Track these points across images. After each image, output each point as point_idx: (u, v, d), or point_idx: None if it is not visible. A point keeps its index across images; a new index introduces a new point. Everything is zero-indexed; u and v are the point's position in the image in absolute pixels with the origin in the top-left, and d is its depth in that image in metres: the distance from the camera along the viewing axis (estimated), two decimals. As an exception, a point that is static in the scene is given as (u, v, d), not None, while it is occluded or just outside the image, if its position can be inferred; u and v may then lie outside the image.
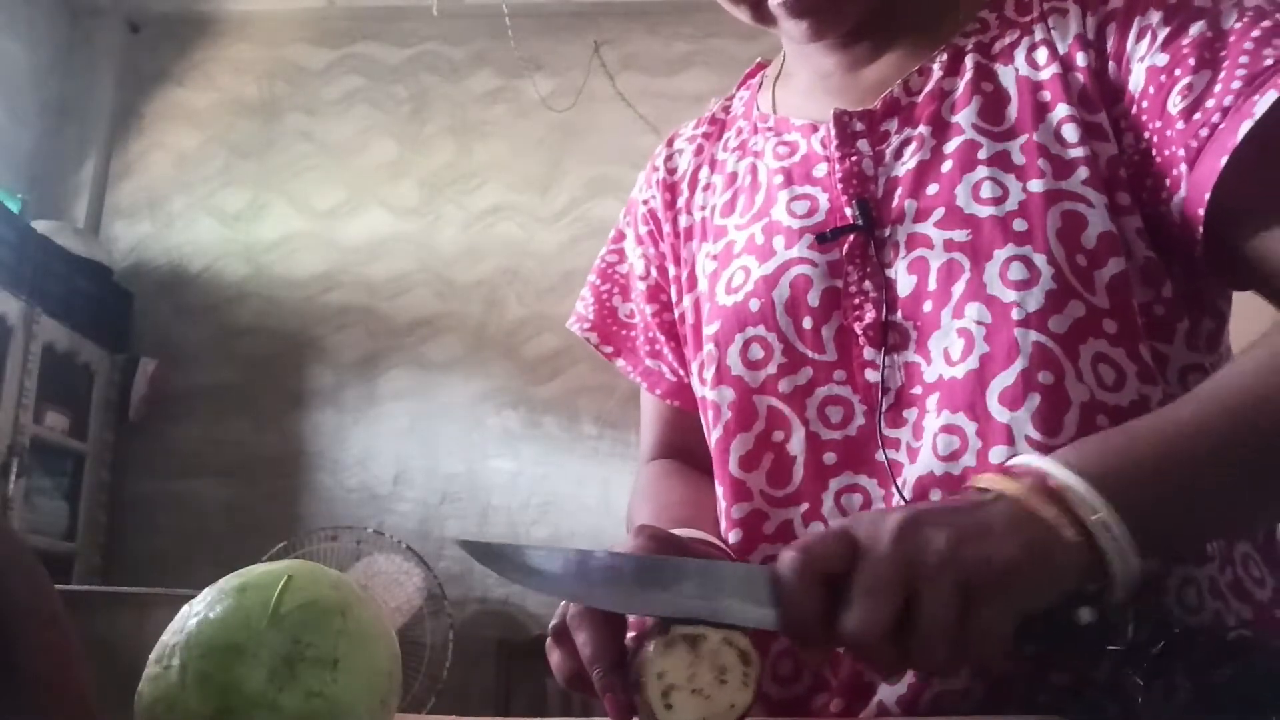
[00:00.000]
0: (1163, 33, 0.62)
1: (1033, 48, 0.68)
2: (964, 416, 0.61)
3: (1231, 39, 0.60)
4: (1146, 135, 0.63)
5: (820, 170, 0.71)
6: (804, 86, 0.78)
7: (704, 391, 0.74)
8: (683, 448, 0.86)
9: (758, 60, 0.87)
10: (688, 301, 0.80)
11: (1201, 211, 0.59)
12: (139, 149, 3.47)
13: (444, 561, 2.95)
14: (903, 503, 0.63)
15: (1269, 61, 0.57)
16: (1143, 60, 0.63)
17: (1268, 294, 0.61)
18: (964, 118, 0.67)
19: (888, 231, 0.67)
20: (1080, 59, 0.66)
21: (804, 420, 0.67)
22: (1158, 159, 0.62)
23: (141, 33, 3.58)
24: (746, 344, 0.70)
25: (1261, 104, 0.56)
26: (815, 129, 0.73)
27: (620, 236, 0.91)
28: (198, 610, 0.43)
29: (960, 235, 0.63)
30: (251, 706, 0.40)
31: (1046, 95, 0.66)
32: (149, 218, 3.41)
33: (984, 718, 0.58)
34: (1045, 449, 0.59)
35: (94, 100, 3.46)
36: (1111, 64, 0.65)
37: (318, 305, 3.27)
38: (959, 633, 0.45)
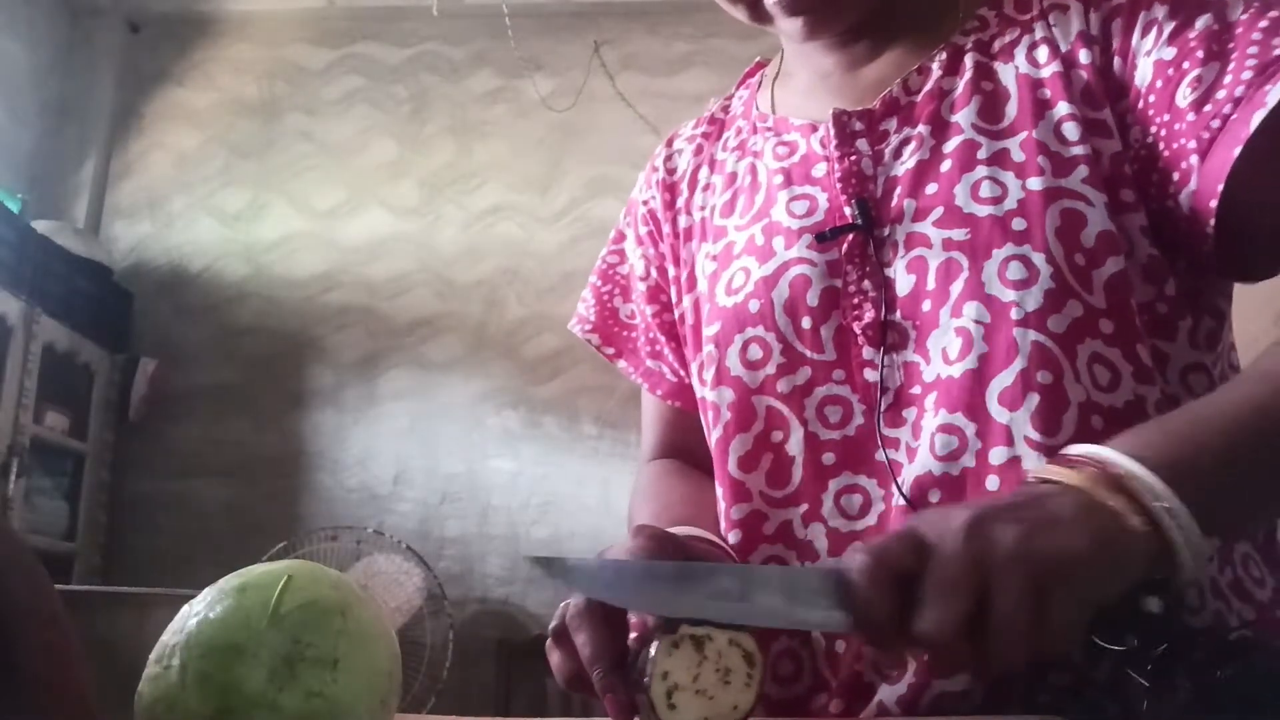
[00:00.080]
0: (1169, 26, 0.62)
1: (1033, 46, 0.68)
2: (962, 416, 0.61)
3: (1239, 30, 0.60)
4: (1153, 129, 0.62)
5: (819, 170, 0.71)
6: (803, 86, 0.78)
7: (704, 392, 0.74)
8: (683, 448, 0.86)
9: (757, 60, 0.87)
10: (687, 302, 0.79)
11: (1214, 204, 0.58)
12: (139, 149, 3.47)
13: (444, 561, 2.96)
14: (902, 502, 0.63)
15: (1279, 51, 0.57)
16: (1149, 54, 0.63)
17: None
18: (963, 117, 0.67)
19: (887, 231, 0.66)
20: (1083, 56, 0.66)
21: (803, 420, 0.67)
22: (1165, 153, 0.62)
23: (141, 33, 3.58)
24: (746, 345, 0.70)
25: (1274, 93, 0.56)
26: (814, 129, 0.73)
27: (620, 237, 0.91)
28: (198, 610, 0.43)
29: (959, 234, 0.63)
30: (251, 706, 0.40)
31: (1047, 93, 0.66)
32: (149, 218, 3.41)
33: (984, 718, 0.58)
34: (1044, 449, 0.59)
35: (94, 100, 3.46)
36: (1117, 59, 0.65)
37: (318, 305, 3.27)
38: (1033, 628, 0.45)
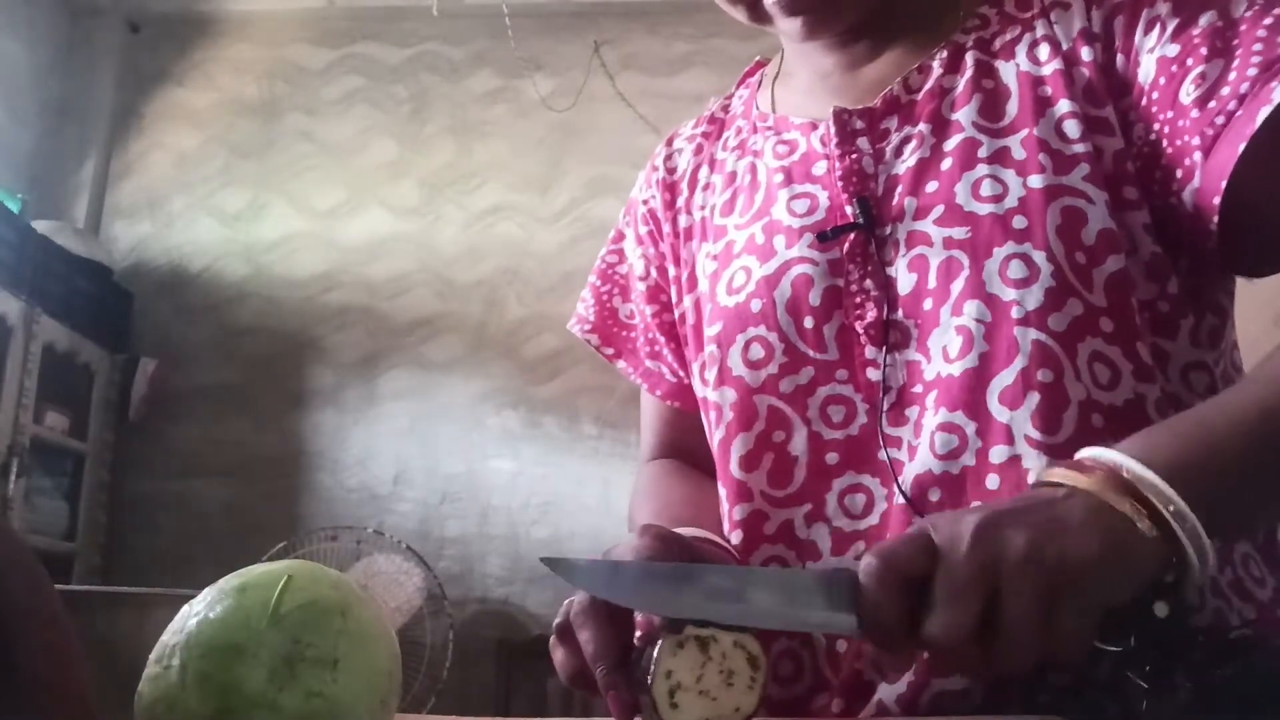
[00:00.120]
0: (1172, 23, 0.62)
1: (1034, 44, 0.68)
2: (963, 415, 0.61)
3: (1243, 27, 0.60)
4: (1156, 126, 0.62)
5: (820, 168, 0.71)
6: (803, 86, 0.78)
7: (705, 392, 0.74)
8: (683, 448, 0.86)
9: (756, 59, 0.87)
10: (688, 302, 0.79)
11: (1217, 200, 0.58)
12: (139, 149, 3.47)
13: (444, 561, 2.96)
14: (903, 501, 0.63)
15: None
16: (1152, 51, 0.63)
17: None
18: (964, 115, 0.67)
19: (888, 230, 0.66)
20: (1085, 53, 0.66)
21: (806, 420, 0.67)
22: (1169, 150, 0.62)
23: (141, 33, 3.58)
24: (748, 344, 0.70)
25: (1279, 90, 0.56)
26: (814, 127, 0.73)
27: (620, 237, 0.90)
28: (198, 610, 0.43)
29: (959, 233, 0.63)
30: (251, 706, 0.40)
31: (1048, 90, 0.66)
32: (149, 218, 3.41)
33: (984, 718, 0.58)
34: (1044, 448, 0.59)
35: (94, 100, 3.46)
36: (1119, 56, 0.65)
37: (318, 305, 3.27)
38: (1043, 632, 0.45)
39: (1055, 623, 0.45)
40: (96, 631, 1.64)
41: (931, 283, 0.64)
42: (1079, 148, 0.63)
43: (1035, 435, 0.59)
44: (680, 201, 0.83)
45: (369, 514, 3.03)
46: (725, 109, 0.85)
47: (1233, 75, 0.58)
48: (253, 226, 3.37)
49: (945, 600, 0.45)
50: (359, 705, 0.42)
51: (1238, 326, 0.69)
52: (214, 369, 3.24)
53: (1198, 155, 0.59)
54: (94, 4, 3.49)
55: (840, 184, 0.69)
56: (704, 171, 0.82)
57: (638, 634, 0.52)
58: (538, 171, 3.32)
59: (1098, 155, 0.63)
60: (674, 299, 0.82)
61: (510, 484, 3.07)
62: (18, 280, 2.75)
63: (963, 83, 0.68)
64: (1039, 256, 0.61)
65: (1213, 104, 0.58)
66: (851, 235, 0.67)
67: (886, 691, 0.60)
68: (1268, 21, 0.59)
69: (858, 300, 0.66)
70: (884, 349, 0.65)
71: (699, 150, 0.83)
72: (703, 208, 0.80)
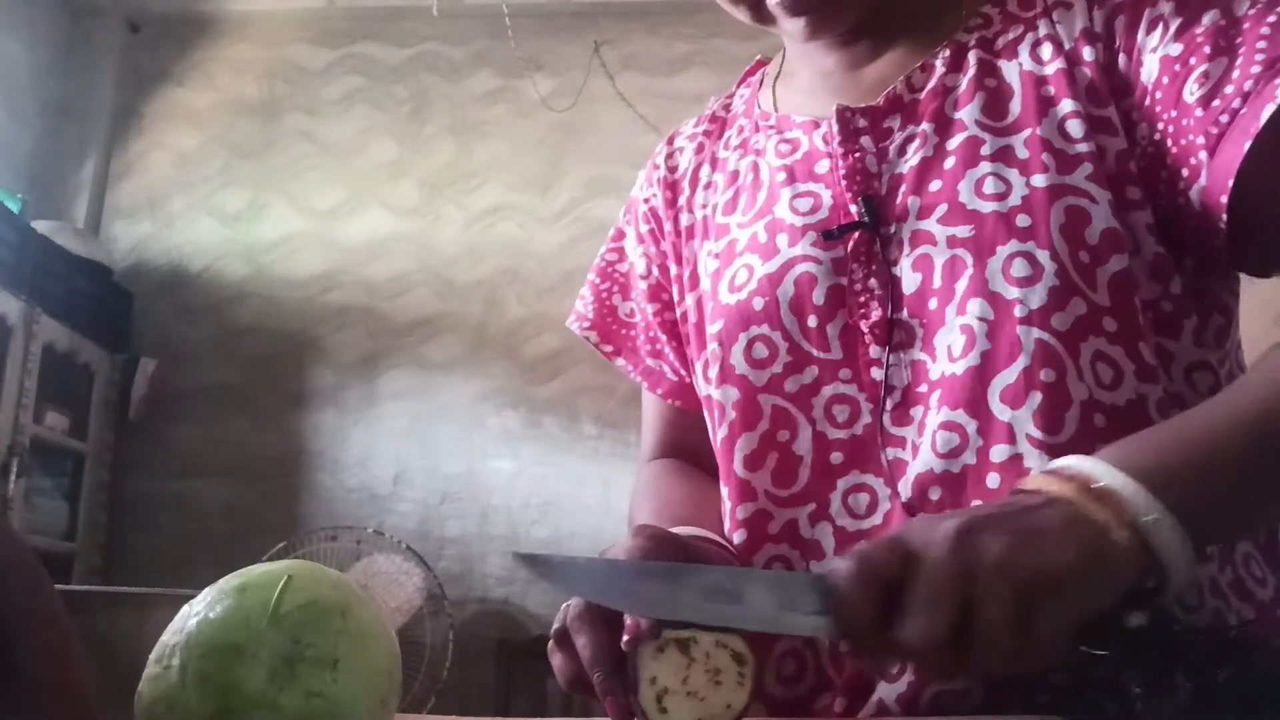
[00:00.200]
0: (1175, 22, 0.62)
1: (1037, 43, 0.68)
2: (964, 413, 0.61)
3: (1246, 25, 0.59)
4: (1160, 126, 0.62)
5: (822, 167, 0.71)
6: (805, 85, 0.78)
7: (708, 390, 0.73)
8: (684, 447, 0.86)
9: (757, 58, 0.86)
10: (690, 300, 0.79)
11: (1224, 199, 0.58)
12: (139, 149, 3.47)
13: (444, 561, 2.96)
14: (903, 501, 0.63)
15: None
16: (1155, 51, 0.63)
17: None
18: (967, 114, 0.67)
19: (892, 229, 0.66)
20: (1087, 53, 0.66)
21: (810, 419, 0.67)
22: (1173, 149, 0.61)
23: (141, 33, 3.58)
24: (751, 343, 0.70)
25: None
26: (817, 125, 0.73)
27: (620, 235, 0.90)
28: (198, 610, 0.43)
29: (963, 231, 0.63)
30: (251, 706, 0.40)
31: (1051, 90, 0.66)
32: (149, 218, 3.41)
33: (984, 718, 0.58)
34: (1046, 447, 0.59)
35: (94, 100, 3.46)
36: (1122, 56, 0.65)
37: (318, 305, 3.27)
38: (1017, 639, 0.45)
39: (1030, 630, 0.45)
40: (96, 631, 1.64)
41: (937, 282, 0.64)
42: (1082, 147, 0.63)
43: (1037, 434, 0.59)
44: (682, 200, 0.83)
45: (369, 514, 3.03)
46: (726, 108, 0.85)
47: (1236, 74, 0.58)
48: (253, 226, 3.37)
49: (920, 605, 0.45)
50: (359, 705, 0.42)
51: (1241, 326, 0.69)
52: (214, 369, 3.24)
53: (1203, 154, 0.59)
54: (94, 4, 3.49)
55: (844, 182, 0.69)
56: (705, 170, 0.82)
57: (625, 638, 0.52)
58: (538, 171, 3.32)
59: (1101, 155, 0.63)
60: (675, 297, 0.82)
61: (510, 484, 3.07)
62: (18, 280, 2.75)
63: (965, 82, 0.68)
64: (1042, 255, 0.61)
65: (1217, 103, 0.58)
66: (856, 234, 0.67)
67: (886, 691, 0.60)
68: (1271, 19, 0.58)
69: (862, 299, 0.66)
70: (888, 348, 0.65)
71: (700, 149, 0.83)
72: (704, 206, 0.80)
